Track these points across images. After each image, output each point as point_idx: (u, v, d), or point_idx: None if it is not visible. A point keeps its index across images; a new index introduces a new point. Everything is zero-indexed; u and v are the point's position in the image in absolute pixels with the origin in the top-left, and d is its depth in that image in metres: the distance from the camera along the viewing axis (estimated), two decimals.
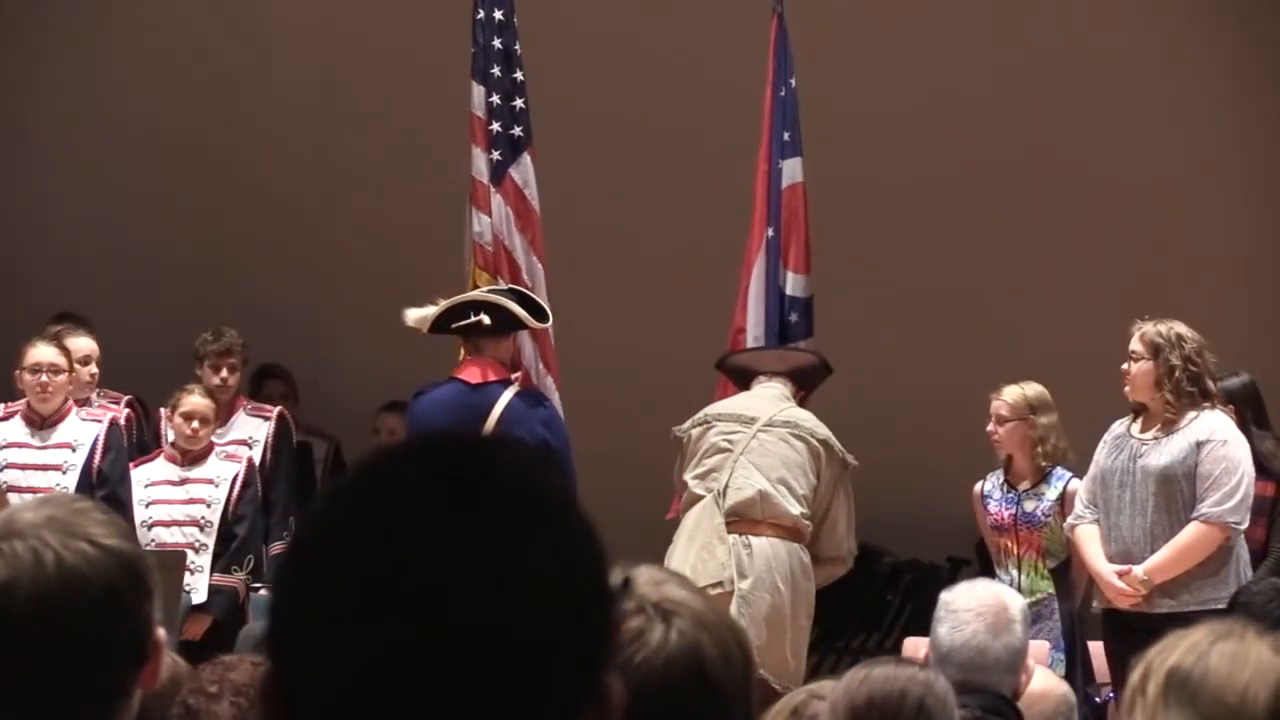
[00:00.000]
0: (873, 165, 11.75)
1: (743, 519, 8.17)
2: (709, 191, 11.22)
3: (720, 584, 7.94)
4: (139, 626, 2.22)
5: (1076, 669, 8.13)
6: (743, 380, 8.71)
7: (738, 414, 8.39)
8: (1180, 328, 7.77)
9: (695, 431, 8.41)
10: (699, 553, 8.10)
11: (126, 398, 9.73)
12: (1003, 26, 11.79)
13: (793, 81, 9.68)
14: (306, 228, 12.15)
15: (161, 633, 2.25)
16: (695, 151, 11.63)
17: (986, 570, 8.84)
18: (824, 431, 8.36)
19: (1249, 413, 8.23)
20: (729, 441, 8.29)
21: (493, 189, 9.43)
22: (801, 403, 8.57)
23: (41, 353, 8.81)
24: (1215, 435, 7.67)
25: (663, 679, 2.15)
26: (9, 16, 12.21)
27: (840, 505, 8.35)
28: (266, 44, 12.07)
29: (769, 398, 8.48)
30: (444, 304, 8.47)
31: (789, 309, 9.50)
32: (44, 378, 8.75)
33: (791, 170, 9.65)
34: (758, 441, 8.26)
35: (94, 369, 9.29)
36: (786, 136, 9.65)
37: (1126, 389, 7.83)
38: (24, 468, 8.73)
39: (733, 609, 7.69)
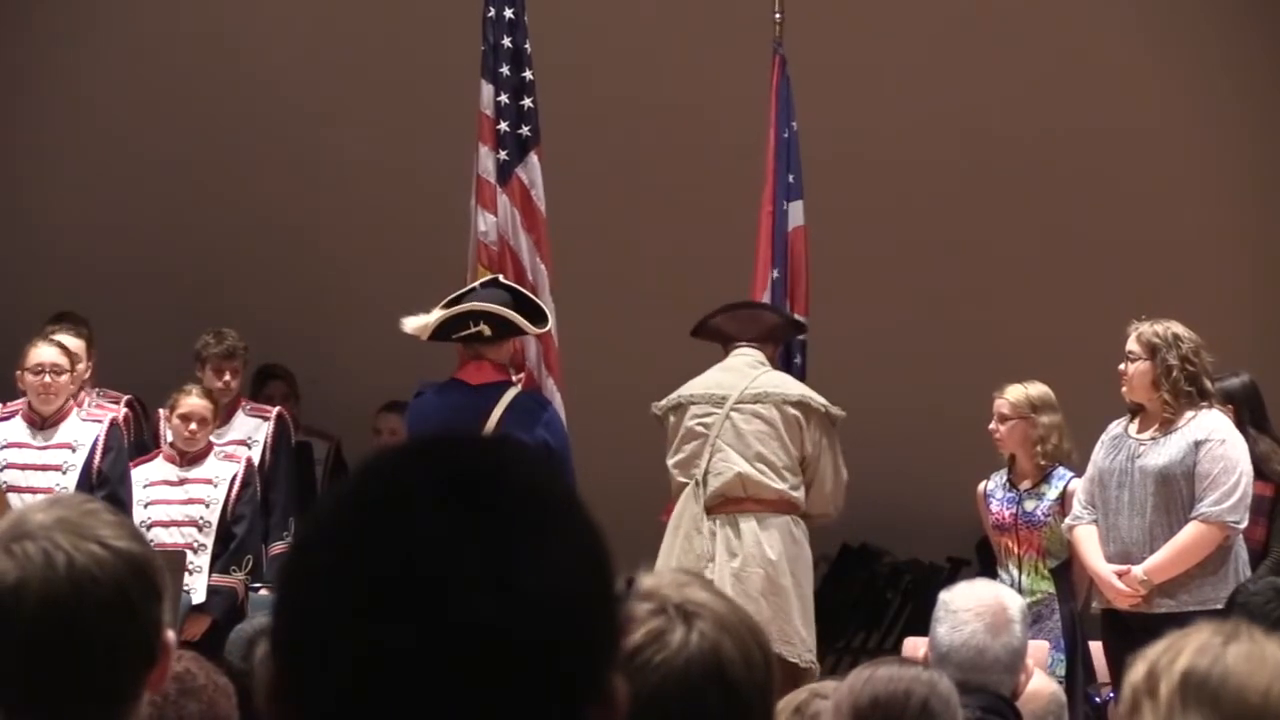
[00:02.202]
0: (869, 166, 11.75)
1: (727, 499, 8.26)
2: (713, 194, 11.21)
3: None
4: (148, 628, 2.23)
5: (1077, 669, 8.13)
6: (723, 343, 8.72)
7: (709, 394, 8.42)
8: (1177, 327, 7.76)
9: (672, 416, 8.46)
10: (681, 543, 8.21)
11: (125, 397, 9.72)
12: (1005, 55, 11.75)
13: (794, 124, 9.68)
14: (307, 227, 12.14)
15: (171, 635, 2.26)
16: (698, 151, 11.61)
17: (986, 570, 8.85)
18: (797, 392, 8.39)
19: (1247, 413, 8.21)
20: (703, 425, 8.35)
21: (499, 188, 9.41)
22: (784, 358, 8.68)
23: (44, 353, 8.80)
24: (1214, 435, 7.66)
25: (683, 680, 2.15)
26: (8, 17, 12.21)
27: (825, 465, 8.36)
28: (268, 43, 12.06)
29: (740, 368, 8.50)
30: (442, 313, 8.37)
31: (794, 351, 9.48)
32: (47, 378, 8.74)
33: (795, 213, 9.64)
34: (730, 423, 8.32)
35: (82, 366, 9.25)
36: (790, 179, 9.64)
37: (1124, 389, 7.83)
38: (24, 468, 8.71)
39: (728, 589, 7.69)
